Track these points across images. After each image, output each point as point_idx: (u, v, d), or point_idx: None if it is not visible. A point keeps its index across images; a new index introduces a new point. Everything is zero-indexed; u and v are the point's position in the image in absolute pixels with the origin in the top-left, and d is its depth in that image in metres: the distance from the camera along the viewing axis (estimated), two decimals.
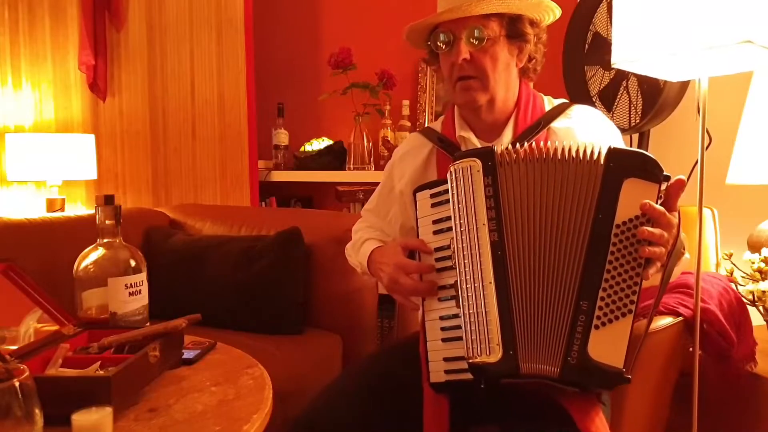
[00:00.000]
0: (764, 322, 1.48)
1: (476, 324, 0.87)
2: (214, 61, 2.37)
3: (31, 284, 0.99)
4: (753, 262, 1.46)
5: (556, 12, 1.11)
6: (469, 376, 0.89)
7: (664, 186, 0.87)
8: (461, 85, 1.09)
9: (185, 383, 0.90)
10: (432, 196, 1.00)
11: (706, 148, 1.27)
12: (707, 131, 1.64)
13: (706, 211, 1.58)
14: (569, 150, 0.89)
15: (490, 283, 0.87)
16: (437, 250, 0.98)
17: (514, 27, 1.08)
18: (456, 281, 0.91)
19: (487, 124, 1.14)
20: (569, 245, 0.88)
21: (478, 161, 0.91)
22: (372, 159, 2.35)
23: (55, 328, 0.98)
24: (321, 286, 1.74)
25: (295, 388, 1.32)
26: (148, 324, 1.05)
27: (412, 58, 2.39)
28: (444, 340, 0.96)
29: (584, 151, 0.89)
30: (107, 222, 1.07)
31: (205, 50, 2.38)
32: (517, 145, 0.92)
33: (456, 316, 0.93)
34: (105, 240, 1.07)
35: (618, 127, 1.17)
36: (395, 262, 1.05)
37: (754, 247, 1.53)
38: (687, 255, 1.00)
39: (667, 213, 0.85)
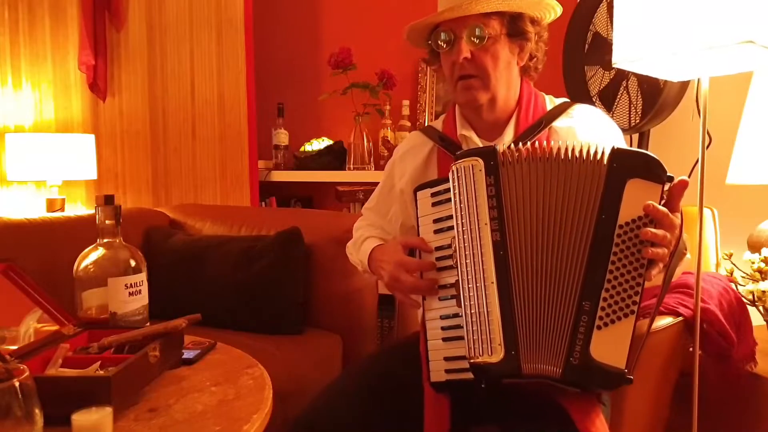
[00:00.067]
0: (764, 322, 1.48)
1: (478, 324, 0.87)
2: (214, 61, 2.37)
3: (31, 284, 0.99)
4: (753, 262, 1.45)
5: (557, 10, 1.10)
6: (469, 375, 0.89)
7: (667, 186, 0.86)
8: (462, 84, 1.09)
9: (185, 383, 0.90)
10: (433, 195, 1.00)
11: (706, 148, 1.27)
12: (707, 131, 1.65)
13: (706, 211, 1.58)
14: (572, 150, 0.89)
15: (492, 283, 0.87)
16: (438, 249, 0.98)
17: (515, 25, 1.08)
18: (457, 280, 0.91)
19: (488, 123, 1.14)
20: (572, 245, 0.88)
21: (481, 161, 0.90)
22: (372, 159, 2.35)
23: (55, 328, 0.98)
24: (321, 286, 1.74)
25: (295, 388, 1.32)
26: (148, 324, 1.05)
27: (412, 58, 2.39)
28: (444, 339, 0.96)
29: (587, 151, 0.89)
30: (107, 222, 1.07)
31: (205, 50, 2.38)
32: (520, 144, 0.92)
33: (456, 315, 0.93)
34: (105, 240, 1.07)
35: (618, 127, 1.17)
36: (396, 260, 1.05)
37: (754, 247, 1.53)
38: (688, 255, 1.00)
39: (670, 214, 0.85)
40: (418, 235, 1.02)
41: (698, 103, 1.24)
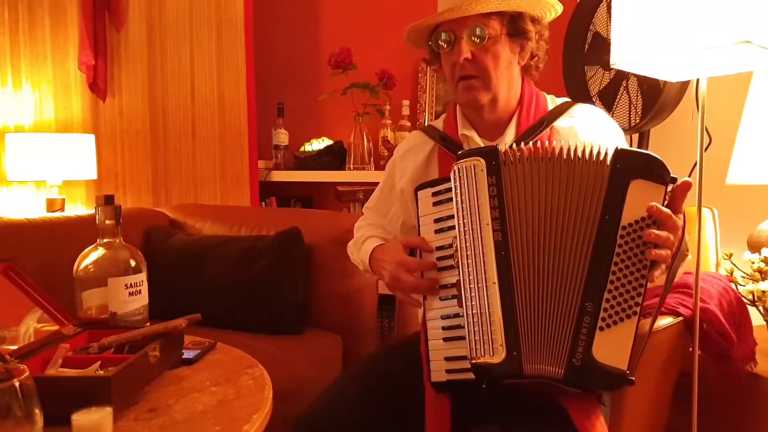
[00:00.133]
0: (764, 322, 1.48)
1: (479, 324, 0.86)
2: (214, 61, 2.37)
3: (31, 284, 0.98)
4: (753, 262, 1.45)
5: (557, 8, 1.10)
6: (470, 375, 0.89)
7: (670, 188, 0.86)
8: (463, 85, 1.09)
9: (185, 383, 0.90)
10: (434, 194, 1.00)
11: (707, 148, 1.27)
12: (707, 131, 1.65)
13: (706, 211, 1.58)
14: (575, 150, 0.89)
15: (494, 283, 0.87)
16: (439, 248, 0.98)
17: (515, 25, 1.07)
18: (458, 280, 0.91)
19: (489, 123, 1.14)
20: (574, 246, 0.87)
21: (482, 160, 0.90)
22: (372, 159, 2.35)
23: (55, 328, 0.98)
24: (321, 286, 1.74)
25: (295, 388, 1.32)
26: (148, 324, 1.05)
27: (412, 58, 2.38)
28: (445, 339, 0.96)
29: (590, 151, 0.88)
30: (107, 222, 1.07)
31: (205, 50, 2.37)
32: (522, 144, 0.92)
33: (457, 315, 0.93)
34: (105, 240, 1.07)
35: (619, 127, 1.17)
36: (397, 259, 1.05)
37: (754, 247, 1.53)
38: (689, 256, 1.00)
39: (673, 215, 0.85)
40: (419, 234, 1.02)
41: (697, 103, 1.24)
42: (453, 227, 0.93)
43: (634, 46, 1.19)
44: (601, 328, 0.85)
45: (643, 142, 1.94)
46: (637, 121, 1.82)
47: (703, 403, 1.26)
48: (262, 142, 2.44)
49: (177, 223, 2.01)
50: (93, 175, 2.42)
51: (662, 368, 1.19)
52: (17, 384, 0.56)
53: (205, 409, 0.80)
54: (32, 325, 0.97)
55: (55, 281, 1.18)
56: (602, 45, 1.87)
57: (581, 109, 1.13)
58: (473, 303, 0.88)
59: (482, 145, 1.13)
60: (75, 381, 0.78)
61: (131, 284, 1.06)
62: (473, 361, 0.87)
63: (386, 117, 2.36)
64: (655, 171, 0.85)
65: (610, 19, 1.81)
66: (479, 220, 0.89)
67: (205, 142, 2.40)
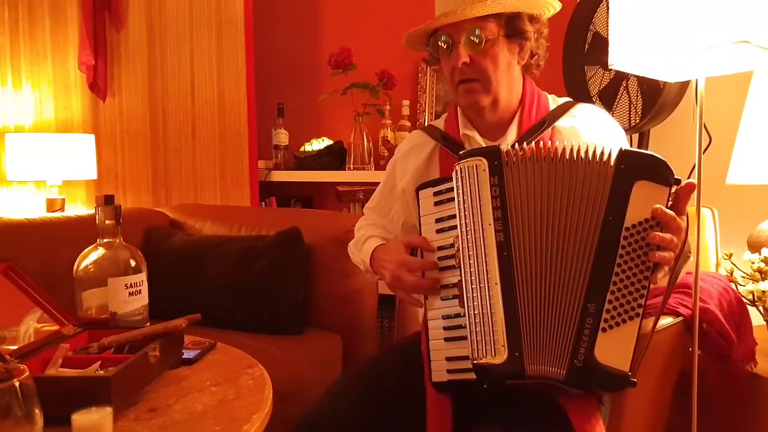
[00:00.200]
0: (764, 322, 1.48)
1: (481, 325, 0.86)
2: (214, 61, 2.37)
3: (31, 284, 0.98)
4: (753, 262, 1.45)
5: (555, 5, 1.09)
6: (471, 375, 0.89)
7: (674, 189, 0.86)
8: (463, 88, 1.09)
9: (185, 383, 0.90)
10: (435, 194, 1.00)
11: (707, 148, 1.27)
12: (707, 131, 1.65)
13: (706, 211, 1.57)
14: (578, 150, 0.89)
15: (496, 283, 0.87)
16: (440, 248, 0.98)
17: (512, 25, 1.06)
18: (459, 280, 0.91)
19: (491, 124, 1.14)
20: (577, 247, 0.87)
21: (484, 160, 0.90)
22: (372, 159, 2.35)
23: (55, 328, 0.97)
24: (321, 286, 1.74)
25: (295, 388, 1.32)
26: (148, 324, 1.05)
27: (412, 58, 2.38)
28: (447, 339, 0.96)
29: (593, 152, 0.88)
30: (107, 222, 1.07)
31: (205, 50, 2.37)
32: (524, 143, 0.91)
33: (458, 315, 0.93)
34: (105, 240, 1.07)
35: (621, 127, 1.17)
36: (398, 259, 1.05)
37: (754, 247, 1.53)
38: (691, 257, 1.00)
39: (677, 217, 0.85)
40: (420, 234, 1.02)
41: (696, 104, 1.24)
42: (454, 227, 0.93)
43: (632, 47, 1.18)
44: (604, 330, 0.85)
45: (643, 142, 1.94)
46: (637, 121, 1.82)
47: (703, 403, 1.26)
48: (262, 142, 2.44)
49: (177, 223, 2.01)
50: (93, 175, 2.42)
51: (662, 368, 1.19)
52: (17, 384, 0.56)
53: (205, 409, 0.80)
54: (32, 325, 0.97)
55: (55, 281, 1.18)
56: (602, 45, 1.87)
57: (583, 109, 1.13)
58: (475, 303, 0.87)
59: (484, 145, 1.13)
60: (75, 381, 0.78)
61: (131, 284, 1.06)
62: (475, 362, 0.86)
63: (386, 117, 2.36)
64: (660, 172, 0.85)
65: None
66: (481, 220, 0.89)
67: (205, 142, 2.40)
